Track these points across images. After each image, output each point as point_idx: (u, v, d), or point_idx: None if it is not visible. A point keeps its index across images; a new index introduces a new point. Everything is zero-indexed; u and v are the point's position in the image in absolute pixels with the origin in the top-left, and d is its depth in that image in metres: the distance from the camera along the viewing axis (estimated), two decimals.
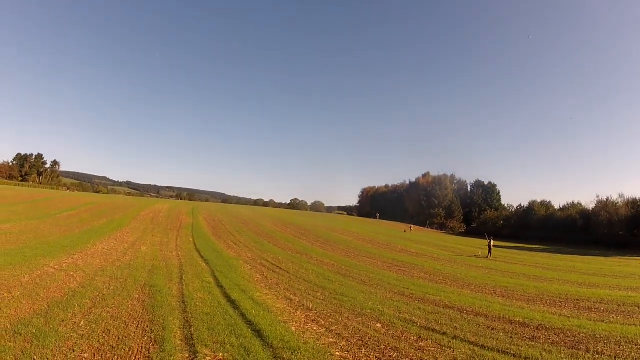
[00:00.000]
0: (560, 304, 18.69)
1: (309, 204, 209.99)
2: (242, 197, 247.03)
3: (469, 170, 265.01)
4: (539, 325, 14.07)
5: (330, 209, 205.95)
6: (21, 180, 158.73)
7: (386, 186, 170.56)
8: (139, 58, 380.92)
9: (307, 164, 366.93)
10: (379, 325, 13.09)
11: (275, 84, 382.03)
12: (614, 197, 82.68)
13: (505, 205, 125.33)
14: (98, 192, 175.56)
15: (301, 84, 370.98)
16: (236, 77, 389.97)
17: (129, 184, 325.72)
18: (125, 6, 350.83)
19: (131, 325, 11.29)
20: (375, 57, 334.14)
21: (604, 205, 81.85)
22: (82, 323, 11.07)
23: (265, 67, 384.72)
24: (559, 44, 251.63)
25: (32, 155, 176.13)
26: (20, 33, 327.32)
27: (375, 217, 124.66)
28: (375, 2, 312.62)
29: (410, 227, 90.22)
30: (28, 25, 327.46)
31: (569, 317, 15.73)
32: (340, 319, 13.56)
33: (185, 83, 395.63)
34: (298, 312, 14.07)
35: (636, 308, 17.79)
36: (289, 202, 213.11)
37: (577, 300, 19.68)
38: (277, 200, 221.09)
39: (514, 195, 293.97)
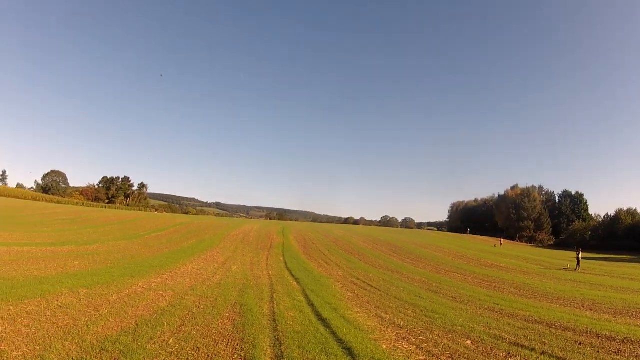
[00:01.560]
0: None
1: (400, 220, 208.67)
2: (332, 215, 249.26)
3: (556, 180, 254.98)
4: (624, 338, 13.66)
5: (420, 225, 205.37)
6: (108, 203, 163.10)
7: (475, 200, 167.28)
8: (219, 81, 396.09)
9: (398, 181, 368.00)
10: (469, 342, 12.89)
11: (359, 104, 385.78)
12: None
13: (593, 215, 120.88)
14: (187, 213, 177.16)
15: (385, 99, 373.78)
16: (319, 100, 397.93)
17: (217, 205, 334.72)
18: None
19: (221, 344, 11.33)
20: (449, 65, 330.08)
21: None
22: (171, 341, 11.20)
23: (339, 89, 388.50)
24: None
25: (118, 178, 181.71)
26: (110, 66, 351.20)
27: (466, 232, 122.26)
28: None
29: (500, 242, 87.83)
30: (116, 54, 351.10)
31: None
32: (431, 336, 13.38)
33: (268, 105, 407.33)
34: (389, 330, 13.94)
35: None
36: (379, 219, 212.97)
37: None
38: (367, 218, 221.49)
39: (601, 204, 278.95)
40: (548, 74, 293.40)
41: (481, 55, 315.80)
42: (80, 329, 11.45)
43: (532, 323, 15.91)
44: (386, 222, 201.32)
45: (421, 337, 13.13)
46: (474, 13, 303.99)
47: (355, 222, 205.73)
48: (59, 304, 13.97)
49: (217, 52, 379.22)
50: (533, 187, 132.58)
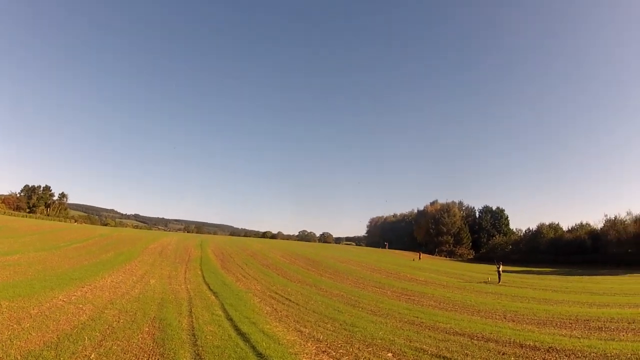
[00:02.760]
0: (570, 325, 18.80)
1: (317, 235, 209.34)
2: (250, 229, 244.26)
3: (477, 197, 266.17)
4: (549, 347, 14.14)
5: (338, 240, 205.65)
6: (29, 212, 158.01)
7: (394, 215, 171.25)
8: (147, 93, 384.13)
9: (315, 196, 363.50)
10: (389, 354, 13.13)
11: (280, 118, 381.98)
12: (622, 215, 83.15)
13: (514, 229, 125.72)
14: (106, 225, 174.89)
15: (307, 117, 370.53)
16: (243, 112, 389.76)
17: (136, 217, 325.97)
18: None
19: (142, 359, 11.35)
20: (381, 86, 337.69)
21: (612, 224, 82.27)
22: (92, 356, 11.12)
23: (268, 103, 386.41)
24: (558, 66, 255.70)
25: (39, 187, 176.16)
26: (29, 66, 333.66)
27: (384, 247, 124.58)
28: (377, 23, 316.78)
29: (419, 256, 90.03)
30: (37, 58, 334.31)
31: (579, 337, 15.82)
32: (351, 349, 13.57)
33: (191, 117, 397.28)
34: (309, 344, 14.05)
35: None
36: (297, 233, 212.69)
37: (587, 320, 19.81)
38: (285, 232, 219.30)
39: (523, 219, 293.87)
40: (468, 89, 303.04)
41: (411, 69, 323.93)
42: (3, 343, 11.32)
43: (454, 335, 16.31)
44: (304, 237, 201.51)
45: (341, 351, 13.36)
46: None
47: (273, 236, 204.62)
48: None
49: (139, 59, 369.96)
50: (453, 202, 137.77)
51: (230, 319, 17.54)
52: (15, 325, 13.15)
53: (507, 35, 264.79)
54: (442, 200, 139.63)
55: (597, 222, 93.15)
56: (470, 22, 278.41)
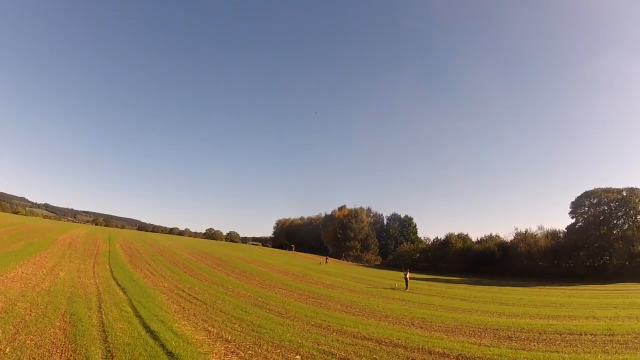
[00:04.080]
0: (479, 333, 19.30)
1: (224, 234, 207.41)
2: (157, 224, 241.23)
3: (386, 205, 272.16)
4: (458, 355, 14.60)
5: (245, 240, 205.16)
6: None
7: (301, 218, 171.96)
8: (54, 65, 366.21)
9: (223, 194, 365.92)
10: (298, 357, 13.36)
11: (190, 112, 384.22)
12: (534, 229, 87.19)
13: (422, 238, 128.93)
14: (17, 213, 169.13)
15: (216, 115, 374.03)
16: (149, 100, 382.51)
17: (46, 207, 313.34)
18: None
19: (55, 354, 11.35)
20: (290, 84, 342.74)
21: (523, 237, 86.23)
22: (7, 350, 11.04)
23: (174, 87, 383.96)
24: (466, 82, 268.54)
25: None
26: None
27: (290, 249, 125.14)
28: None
29: (326, 259, 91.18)
30: None
31: (489, 346, 16.32)
32: (260, 350, 13.77)
33: (101, 103, 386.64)
34: (217, 344, 14.17)
35: (557, 335, 18.68)
36: (204, 231, 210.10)
37: (497, 329, 20.37)
38: (192, 229, 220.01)
39: (432, 229, 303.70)
40: (381, 94, 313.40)
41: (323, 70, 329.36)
42: None
43: (361, 339, 16.59)
44: (211, 235, 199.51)
45: (250, 352, 13.55)
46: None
47: (180, 233, 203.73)
48: None
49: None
50: (361, 208, 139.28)
51: (139, 316, 17.55)
52: None
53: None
54: (350, 205, 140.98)
55: (507, 234, 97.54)
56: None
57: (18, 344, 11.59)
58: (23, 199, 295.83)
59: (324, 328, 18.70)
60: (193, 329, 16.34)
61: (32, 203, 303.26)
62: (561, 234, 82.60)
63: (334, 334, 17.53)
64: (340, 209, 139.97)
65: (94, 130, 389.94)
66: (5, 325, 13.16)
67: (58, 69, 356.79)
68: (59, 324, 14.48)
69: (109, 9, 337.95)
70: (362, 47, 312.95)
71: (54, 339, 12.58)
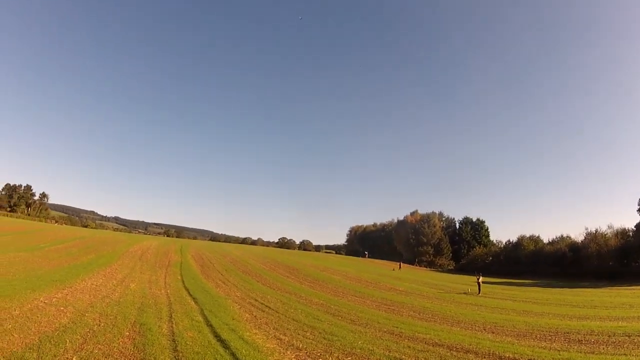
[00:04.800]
0: (550, 337, 18.77)
1: (297, 242, 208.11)
2: (230, 235, 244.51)
3: (458, 208, 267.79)
4: (528, 359, 14.17)
5: (318, 248, 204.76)
6: (9, 211, 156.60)
7: (374, 225, 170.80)
8: (131, 95, 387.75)
9: (297, 203, 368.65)
10: None
11: (265, 122, 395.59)
12: (603, 228, 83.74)
13: (494, 241, 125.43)
14: (86, 227, 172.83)
15: (292, 124, 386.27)
16: (227, 117, 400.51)
17: (116, 220, 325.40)
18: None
19: None
20: (364, 93, 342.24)
21: (593, 237, 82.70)
22: (74, 359, 11.10)
23: (252, 110, 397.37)
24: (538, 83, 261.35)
25: (20, 186, 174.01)
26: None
27: (364, 256, 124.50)
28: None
29: (399, 265, 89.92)
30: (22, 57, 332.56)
31: (559, 350, 15.90)
32: (331, 358, 13.61)
33: (173, 120, 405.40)
34: (288, 352, 14.04)
35: (626, 338, 18.02)
36: (277, 240, 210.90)
37: (567, 333, 19.81)
38: (265, 239, 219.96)
39: (503, 231, 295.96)
40: (452, 100, 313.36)
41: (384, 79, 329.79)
42: None
43: (433, 346, 16.30)
44: (284, 244, 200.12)
45: (320, 359, 13.39)
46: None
47: (253, 243, 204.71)
48: None
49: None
50: (433, 213, 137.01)
51: (210, 325, 17.47)
52: None
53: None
54: (422, 210, 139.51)
55: (577, 235, 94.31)
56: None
57: (85, 353, 11.67)
58: (93, 212, 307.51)
59: (395, 335, 18.47)
60: (264, 337, 16.24)
61: (102, 216, 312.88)
62: (630, 233, 78.76)
63: (406, 340, 17.29)
64: (412, 214, 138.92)
65: (166, 144, 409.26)
66: (73, 335, 13.25)
67: (132, 83, 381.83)
68: (128, 333, 14.50)
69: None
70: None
71: (123, 348, 12.60)
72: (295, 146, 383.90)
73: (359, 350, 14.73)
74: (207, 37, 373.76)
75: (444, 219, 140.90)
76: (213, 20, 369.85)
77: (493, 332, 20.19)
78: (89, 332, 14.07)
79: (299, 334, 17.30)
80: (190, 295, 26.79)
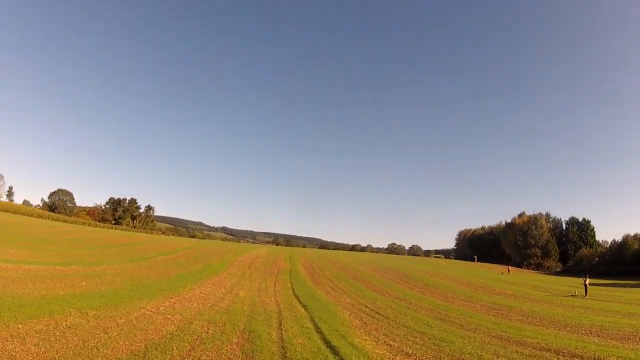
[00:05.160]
0: None
1: (407, 248, 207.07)
2: (339, 242, 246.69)
3: (563, 207, 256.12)
4: None
5: (427, 253, 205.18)
6: (114, 224, 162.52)
7: (482, 228, 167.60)
8: (229, 105, 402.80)
9: (405, 209, 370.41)
10: None
11: (374, 126, 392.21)
12: None
13: (600, 241, 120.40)
14: (193, 237, 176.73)
15: (402, 129, 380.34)
16: (334, 121, 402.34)
17: (224, 230, 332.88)
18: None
19: None
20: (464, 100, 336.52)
21: None
22: None
23: (366, 112, 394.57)
24: None
25: (125, 199, 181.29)
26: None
27: (473, 260, 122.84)
28: None
29: (508, 269, 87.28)
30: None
31: None
32: None
33: (277, 130, 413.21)
34: (397, 358, 13.93)
35: None
36: (386, 246, 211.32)
37: None
38: (374, 246, 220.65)
39: (609, 230, 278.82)
40: (556, 99, 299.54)
41: (490, 80, 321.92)
42: (90, 351, 11.45)
43: (540, 350, 15.95)
44: (393, 250, 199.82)
45: None
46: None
47: (362, 249, 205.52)
48: (68, 324, 13.88)
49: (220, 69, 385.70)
50: (540, 214, 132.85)
51: (320, 332, 17.44)
52: (101, 334, 13.27)
53: None
54: (529, 211, 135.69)
55: None
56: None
57: (192, 359, 11.88)
58: (200, 223, 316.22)
59: (504, 339, 18.19)
60: (374, 343, 16.14)
61: (210, 227, 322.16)
62: None
63: (514, 345, 17.01)
64: (519, 215, 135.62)
65: (272, 155, 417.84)
66: (181, 343, 13.37)
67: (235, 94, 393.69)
68: (236, 340, 14.55)
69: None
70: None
71: (231, 355, 12.65)
72: (404, 152, 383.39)
73: (467, 356, 14.56)
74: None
75: (550, 219, 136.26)
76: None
77: (599, 336, 19.83)
78: (196, 339, 14.21)
79: (408, 340, 17.18)
80: (300, 302, 26.97)
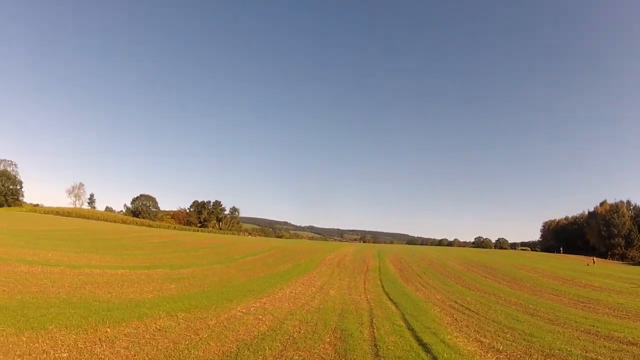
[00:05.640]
0: None
1: (493, 241, 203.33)
2: (426, 237, 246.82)
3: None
4: None
5: (513, 245, 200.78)
6: (200, 226, 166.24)
7: (566, 218, 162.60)
8: (313, 103, 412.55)
9: (490, 200, 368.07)
10: None
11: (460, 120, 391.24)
12: None
13: None
14: (280, 237, 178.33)
15: (488, 121, 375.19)
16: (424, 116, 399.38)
17: (311, 229, 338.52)
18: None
19: None
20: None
21: None
22: None
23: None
24: None
25: (209, 202, 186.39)
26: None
27: (558, 251, 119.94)
28: None
29: (593, 260, 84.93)
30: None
31: None
32: None
33: (364, 125, 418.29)
34: (488, 355, 13.75)
35: None
36: (472, 240, 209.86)
37: None
38: (461, 239, 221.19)
39: None
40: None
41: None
42: (180, 352, 11.62)
43: (627, 344, 15.57)
44: (480, 243, 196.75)
45: None
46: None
47: (449, 244, 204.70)
48: (158, 326, 14.09)
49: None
50: (621, 202, 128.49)
51: (411, 329, 17.21)
52: (192, 336, 13.39)
53: None
54: (610, 199, 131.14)
55: None
56: None
57: (285, 359, 11.88)
58: (286, 223, 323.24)
59: (592, 334, 17.65)
60: (465, 340, 15.88)
61: (296, 226, 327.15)
62: None
63: (602, 339, 16.48)
64: (601, 204, 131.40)
65: (357, 150, 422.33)
66: (273, 343, 13.39)
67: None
68: (328, 339, 14.49)
69: None
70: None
71: (324, 354, 12.63)
72: (489, 144, 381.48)
73: (557, 352, 14.18)
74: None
75: (631, 207, 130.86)
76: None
77: None
78: (288, 339, 14.22)
79: (499, 336, 16.88)
80: (390, 299, 26.77)
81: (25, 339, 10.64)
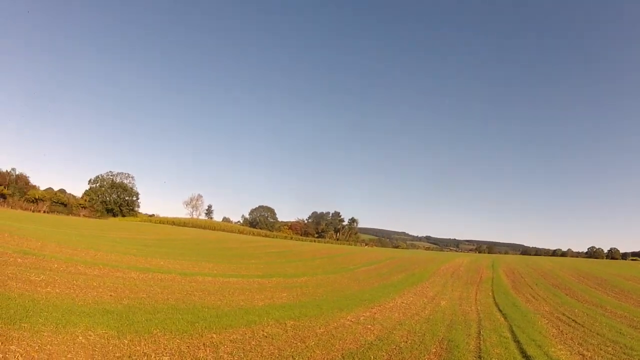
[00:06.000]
0: None
1: (605, 251, 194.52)
2: (540, 247, 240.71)
3: None
4: None
5: (624, 255, 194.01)
6: (317, 237, 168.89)
7: None
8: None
9: (603, 209, 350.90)
10: None
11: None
12: None
13: None
14: (397, 247, 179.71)
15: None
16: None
17: (428, 239, 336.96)
18: None
19: None
20: None
21: None
22: None
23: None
24: None
25: (328, 213, 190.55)
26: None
27: None
28: None
29: None
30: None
31: None
32: None
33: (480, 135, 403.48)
34: None
35: None
36: (585, 250, 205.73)
37: None
38: (574, 249, 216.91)
39: None
40: None
41: None
42: (285, 359, 11.87)
43: None
44: (592, 254, 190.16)
45: None
46: None
47: (563, 254, 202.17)
48: (265, 334, 14.33)
49: None
50: None
51: (517, 341, 17.08)
52: (299, 344, 13.61)
53: None
54: None
55: None
56: None
57: None
58: (403, 233, 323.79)
59: None
60: (568, 353, 15.68)
61: (413, 236, 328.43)
62: None
63: None
64: None
65: (469, 161, 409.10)
66: (378, 352, 13.48)
67: None
68: (434, 350, 14.59)
69: None
70: None
71: None
72: (597, 152, 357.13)
73: None
74: None
75: None
76: None
77: None
78: (395, 348, 14.32)
79: (601, 349, 16.43)
80: (500, 310, 26.38)
81: (127, 342, 11.07)
